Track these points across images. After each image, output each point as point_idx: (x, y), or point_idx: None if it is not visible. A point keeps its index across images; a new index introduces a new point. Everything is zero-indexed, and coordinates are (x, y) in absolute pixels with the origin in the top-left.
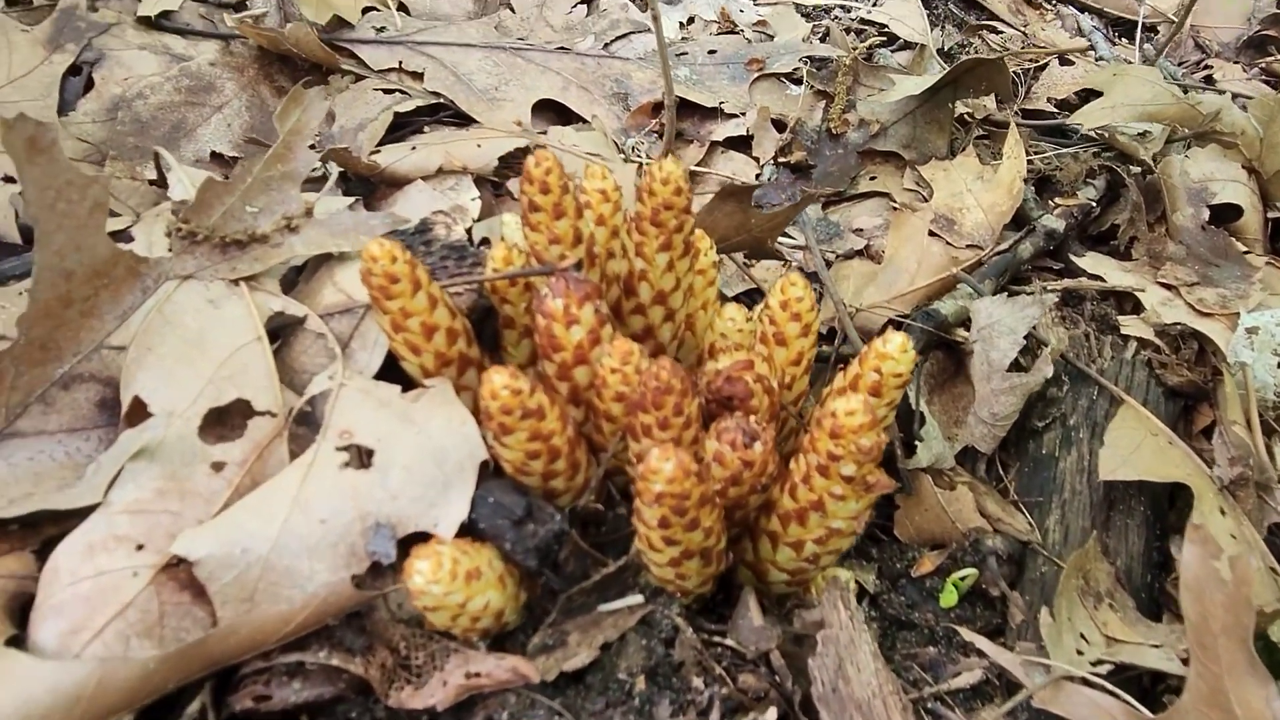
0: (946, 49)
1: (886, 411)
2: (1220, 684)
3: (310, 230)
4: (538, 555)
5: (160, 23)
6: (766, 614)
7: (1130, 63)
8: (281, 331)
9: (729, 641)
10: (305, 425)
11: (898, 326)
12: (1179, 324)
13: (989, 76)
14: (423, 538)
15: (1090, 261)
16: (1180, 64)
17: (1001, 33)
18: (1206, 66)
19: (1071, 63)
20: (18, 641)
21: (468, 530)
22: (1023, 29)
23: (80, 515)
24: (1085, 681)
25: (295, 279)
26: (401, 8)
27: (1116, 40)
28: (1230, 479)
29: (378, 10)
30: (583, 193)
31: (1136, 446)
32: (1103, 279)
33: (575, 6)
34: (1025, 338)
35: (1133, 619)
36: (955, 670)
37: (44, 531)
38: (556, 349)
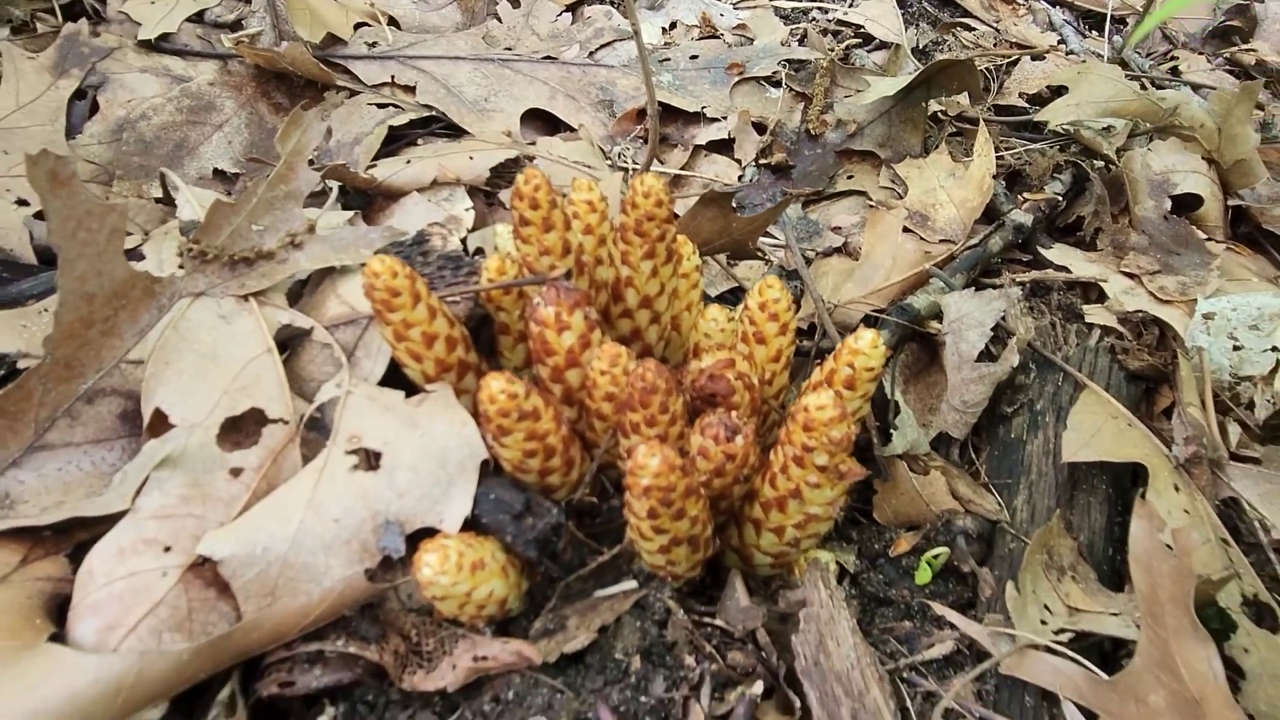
0: (921, 47)
1: (861, 403)
2: (1168, 647)
3: (314, 246)
4: (537, 546)
5: (160, 45)
6: (752, 595)
7: (1100, 55)
8: (290, 343)
9: (718, 621)
10: (316, 431)
11: (874, 321)
12: (1140, 311)
13: (960, 77)
14: (430, 533)
15: (1057, 253)
16: (1149, 55)
17: (974, 29)
18: (1173, 57)
19: (1043, 58)
20: (57, 639)
21: (471, 525)
22: (995, 25)
23: (109, 521)
24: (1049, 649)
25: (300, 292)
26: (392, 22)
27: (1087, 33)
28: (1185, 457)
29: (369, 25)
30: (571, 204)
31: (1098, 429)
32: (1069, 270)
33: (560, 15)
34: (993, 329)
35: (1094, 589)
36: (929, 642)
37: (75, 537)
38: (549, 354)
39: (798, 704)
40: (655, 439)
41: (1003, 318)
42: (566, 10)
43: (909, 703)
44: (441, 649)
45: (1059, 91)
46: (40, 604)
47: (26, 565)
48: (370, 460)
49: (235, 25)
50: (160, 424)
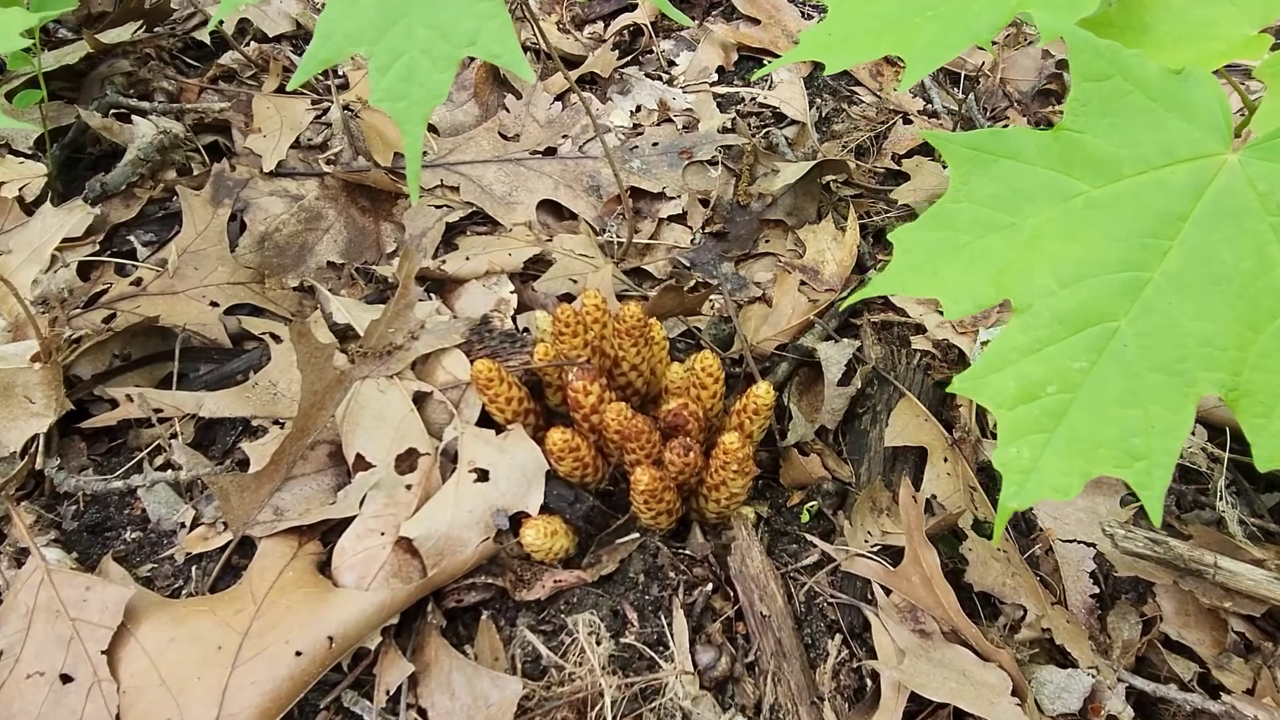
0: (824, 115)
1: (763, 421)
2: (915, 551)
3: (425, 336)
4: (583, 519)
5: (277, 171)
6: (705, 536)
7: (954, 111)
8: (419, 400)
9: (687, 552)
10: (446, 456)
11: (779, 355)
12: (945, 339)
13: (837, 167)
14: (522, 515)
15: (899, 300)
16: (990, 112)
17: (863, 101)
18: (1007, 116)
19: (911, 121)
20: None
21: (544, 509)
22: (878, 93)
23: (343, 521)
24: (866, 556)
25: (415, 364)
26: (431, 128)
27: (950, 90)
28: (955, 439)
29: None
30: (584, 306)
31: (907, 424)
32: (905, 312)
33: (554, 103)
34: (849, 363)
35: (899, 522)
36: (805, 555)
37: (319, 529)
38: (579, 408)
39: (731, 594)
40: (645, 459)
41: (860, 349)
42: (557, 99)
43: (793, 589)
44: (535, 577)
45: (929, 150)
46: (314, 568)
47: (301, 548)
48: (482, 475)
49: (323, 146)
50: (360, 463)
